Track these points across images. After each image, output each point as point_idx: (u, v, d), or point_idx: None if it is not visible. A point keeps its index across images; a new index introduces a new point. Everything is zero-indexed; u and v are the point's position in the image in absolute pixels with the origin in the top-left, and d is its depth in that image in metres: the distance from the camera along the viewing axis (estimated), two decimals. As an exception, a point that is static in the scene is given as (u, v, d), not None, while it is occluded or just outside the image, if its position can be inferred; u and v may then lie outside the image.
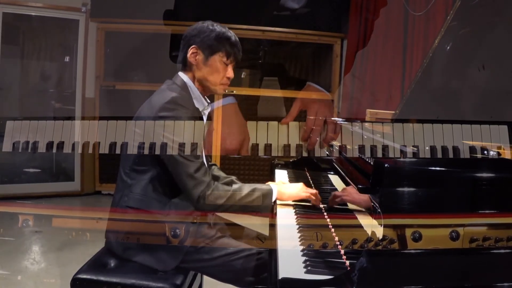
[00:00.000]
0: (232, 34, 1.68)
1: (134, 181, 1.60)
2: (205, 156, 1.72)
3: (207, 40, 1.62)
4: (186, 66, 1.66)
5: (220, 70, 1.65)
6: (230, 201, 1.56)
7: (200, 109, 1.68)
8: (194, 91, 1.66)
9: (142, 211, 1.59)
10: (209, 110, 1.74)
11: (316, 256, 1.12)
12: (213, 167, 1.91)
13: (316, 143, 1.79)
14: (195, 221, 1.62)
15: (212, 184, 1.56)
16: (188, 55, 1.63)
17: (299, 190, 1.62)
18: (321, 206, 1.60)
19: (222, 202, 1.55)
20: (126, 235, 1.61)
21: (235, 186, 1.61)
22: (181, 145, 1.53)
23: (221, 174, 1.93)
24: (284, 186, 1.65)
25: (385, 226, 0.97)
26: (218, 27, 1.66)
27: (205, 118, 1.72)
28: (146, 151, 1.55)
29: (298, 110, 2.02)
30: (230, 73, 1.67)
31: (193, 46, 1.63)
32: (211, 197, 1.54)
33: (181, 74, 1.67)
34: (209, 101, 1.73)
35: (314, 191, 1.63)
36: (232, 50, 1.65)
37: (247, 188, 1.60)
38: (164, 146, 1.53)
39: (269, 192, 1.60)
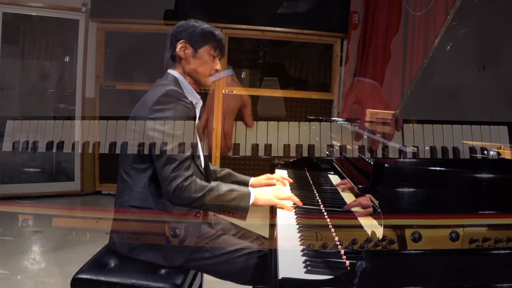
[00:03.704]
0: (216, 30, 1.72)
1: (134, 180, 1.60)
2: (199, 143, 1.74)
3: (194, 34, 1.67)
4: (175, 62, 1.69)
5: (209, 62, 1.69)
6: (206, 197, 1.54)
7: (194, 102, 1.70)
8: (186, 86, 1.69)
9: (145, 210, 1.59)
10: (200, 104, 1.75)
11: (316, 256, 1.12)
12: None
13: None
14: (198, 215, 1.62)
15: (190, 178, 1.54)
16: (177, 49, 1.67)
17: (273, 197, 1.59)
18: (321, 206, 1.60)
19: (197, 196, 1.53)
20: (128, 235, 1.60)
21: (213, 184, 1.59)
22: (169, 139, 1.53)
23: (216, 168, 1.96)
24: (261, 192, 1.62)
25: (385, 226, 0.97)
26: (202, 24, 1.71)
27: (198, 110, 1.73)
28: (144, 148, 1.55)
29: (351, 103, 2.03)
30: (218, 65, 1.72)
31: (181, 40, 1.67)
32: (187, 190, 1.51)
33: (170, 71, 1.70)
34: (199, 95, 1.75)
35: (288, 195, 1.60)
36: (218, 44, 1.69)
37: (225, 187, 1.59)
38: (154, 138, 1.54)
39: (247, 195, 1.58)
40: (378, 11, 4.06)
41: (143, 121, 1.57)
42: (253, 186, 1.89)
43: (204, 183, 1.57)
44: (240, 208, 1.57)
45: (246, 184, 1.92)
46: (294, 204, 1.58)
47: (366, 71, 4.17)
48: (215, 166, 1.98)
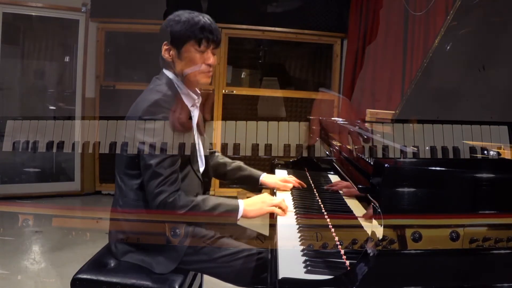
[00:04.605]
0: (201, 17, 1.55)
1: (127, 185, 1.58)
2: (200, 145, 1.71)
3: (174, 33, 1.54)
4: (166, 64, 1.60)
5: (196, 60, 1.55)
6: (190, 213, 1.49)
7: (190, 105, 1.63)
8: (181, 87, 1.60)
9: (137, 213, 1.58)
10: (199, 102, 1.68)
11: (316, 256, 1.12)
12: (216, 154, 1.92)
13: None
14: (192, 221, 1.61)
15: (175, 194, 1.48)
16: (163, 53, 1.57)
17: (263, 205, 1.55)
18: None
19: (181, 212, 1.48)
20: (123, 238, 1.60)
21: (199, 198, 1.53)
22: (158, 152, 1.48)
23: (227, 160, 1.93)
24: (249, 203, 1.57)
25: (385, 226, 0.97)
26: (184, 16, 1.55)
27: (196, 111, 1.68)
28: (134, 155, 1.51)
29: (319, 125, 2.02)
30: (209, 59, 1.56)
31: (164, 42, 1.56)
32: (171, 206, 1.47)
33: (165, 71, 1.61)
34: (199, 92, 1.66)
35: (278, 202, 1.56)
36: (202, 35, 1.53)
37: (212, 201, 1.53)
38: (142, 150, 1.49)
39: (234, 209, 1.54)
40: (378, 11, 4.06)
41: (133, 127, 1.51)
42: (265, 183, 1.87)
43: (189, 198, 1.51)
44: (228, 222, 1.55)
45: (256, 180, 1.90)
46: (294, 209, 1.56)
47: (366, 71, 4.18)
48: (225, 158, 1.93)
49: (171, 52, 1.56)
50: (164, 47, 1.57)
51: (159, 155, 1.47)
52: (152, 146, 1.48)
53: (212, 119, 4.33)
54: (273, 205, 1.55)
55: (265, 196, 1.64)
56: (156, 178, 1.47)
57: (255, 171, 1.93)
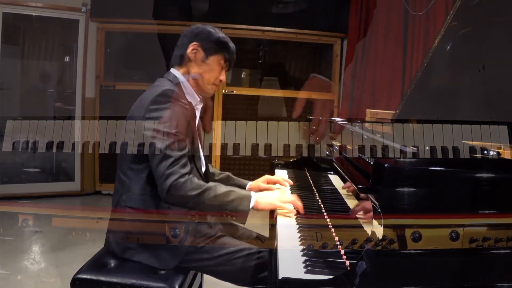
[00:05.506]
0: (231, 42, 1.71)
1: (131, 180, 1.59)
2: (200, 144, 1.73)
3: (209, 40, 1.66)
4: (182, 62, 1.67)
5: (216, 71, 1.67)
6: (202, 196, 1.48)
7: (193, 104, 1.69)
8: (186, 87, 1.67)
9: (142, 210, 1.58)
10: (201, 105, 1.74)
11: (316, 256, 1.12)
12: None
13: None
14: (194, 220, 1.61)
15: (187, 176, 1.49)
16: (189, 50, 1.65)
17: (275, 199, 1.54)
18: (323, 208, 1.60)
19: (193, 194, 1.47)
20: (126, 235, 1.60)
21: (211, 183, 1.55)
22: (166, 136, 1.50)
23: (215, 170, 1.95)
24: (262, 195, 1.57)
25: (385, 226, 0.97)
26: (220, 32, 1.70)
27: (197, 112, 1.73)
28: (141, 149, 1.54)
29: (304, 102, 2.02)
30: (223, 76, 1.70)
31: (194, 42, 1.65)
32: (183, 187, 1.46)
33: (173, 70, 1.68)
34: (201, 97, 1.72)
35: (291, 199, 1.55)
36: (230, 56, 1.69)
37: (224, 187, 1.54)
38: (150, 137, 1.51)
39: (246, 198, 1.53)
40: (378, 11, 4.06)
41: (139, 121, 1.55)
42: (251, 190, 1.86)
43: (201, 182, 1.53)
44: (239, 211, 1.53)
45: (243, 188, 1.89)
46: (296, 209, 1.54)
47: (366, 71, 4.18)
48: (214, 168, 1.96)
49: (197, 53, 1.65)
50: (193, 47, 1.65)
51: (167, 139, 1.50)
52: (160, 132, 1.51)
53: (212, 119, 4.34)
54: (285, 202, 1.54)
55: (278, 191, 1.65)
56: (166, 160, 1.48)
57: (242, 180, 1.93)
